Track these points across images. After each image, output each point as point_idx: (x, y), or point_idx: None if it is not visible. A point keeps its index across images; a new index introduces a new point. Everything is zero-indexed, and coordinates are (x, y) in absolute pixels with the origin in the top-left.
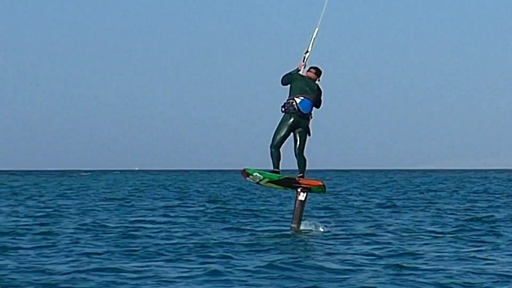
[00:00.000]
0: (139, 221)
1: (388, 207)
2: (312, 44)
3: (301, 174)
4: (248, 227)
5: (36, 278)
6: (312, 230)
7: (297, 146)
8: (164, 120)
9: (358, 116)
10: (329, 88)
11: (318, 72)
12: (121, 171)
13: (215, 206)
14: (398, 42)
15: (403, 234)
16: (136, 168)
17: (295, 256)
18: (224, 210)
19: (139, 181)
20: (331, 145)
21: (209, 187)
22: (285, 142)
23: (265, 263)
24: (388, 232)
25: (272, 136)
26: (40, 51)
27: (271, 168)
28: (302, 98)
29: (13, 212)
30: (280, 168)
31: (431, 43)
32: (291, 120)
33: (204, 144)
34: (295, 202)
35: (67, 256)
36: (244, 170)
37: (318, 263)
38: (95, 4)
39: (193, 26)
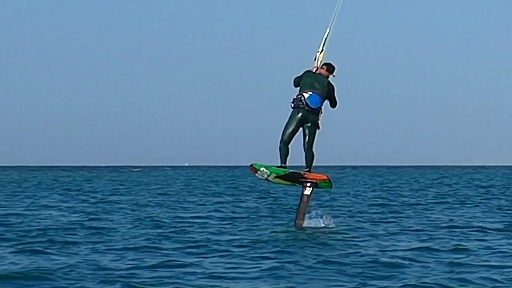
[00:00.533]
0: (192, 217)
1: (440, 203)
2: (324, 44)
3: (308, 169)
4: None
5: (91, 273)
6: (315, 226)
7: (306, 140)
8: (213, 117)
9: (409, 114)
10: (380, 87)
11: (329, 68)
12: (172, 167)
13: (267, 202)
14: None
15: (456, 230)
16: (186, 164)
17: (348, 251)
18: (276, 205)
19: (190, 177)
20: (383, 142)
21: (260, 182)
22: (295, 137)
23: (320, 259)
24: (441, 228)
25: (281, 132)
26: (95, 49)
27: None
28: (310, 93)
29: (67, 208)
30: (288, 163)
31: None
32: (300, 114)
33: (254, 140)
34: (301, 197)
35: (120, 252)
36: (251, 165)
37: (371, 258)
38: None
39: (221, 29)
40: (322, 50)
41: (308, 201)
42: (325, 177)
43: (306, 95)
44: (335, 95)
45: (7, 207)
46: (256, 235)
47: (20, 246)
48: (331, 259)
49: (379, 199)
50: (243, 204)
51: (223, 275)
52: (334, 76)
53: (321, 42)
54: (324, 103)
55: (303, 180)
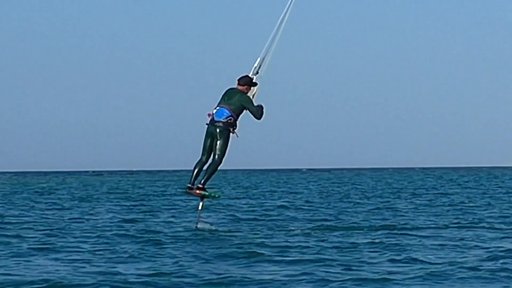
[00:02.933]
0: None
1: None
2: (256, 73)
3: (200, 185)
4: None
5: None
6: (207, 228)
7: (213, 154)
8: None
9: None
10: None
11: (240, 81)
12: (289, 170)
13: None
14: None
15: None
16: (304, 168)
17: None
18: None
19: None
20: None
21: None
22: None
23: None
24: None
25: None
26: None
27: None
28: (218, 108)
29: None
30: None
31: None
32: (208, 129)
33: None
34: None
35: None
36: None
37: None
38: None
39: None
40: (257, 73)
41: (200, 212)
42: (198, 193)
43: (214, 111)
44: (250, 105)
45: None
46: None
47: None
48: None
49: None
50: None
51: None
52: (256, 84)
53: (251, 70)
54: (243, 115)
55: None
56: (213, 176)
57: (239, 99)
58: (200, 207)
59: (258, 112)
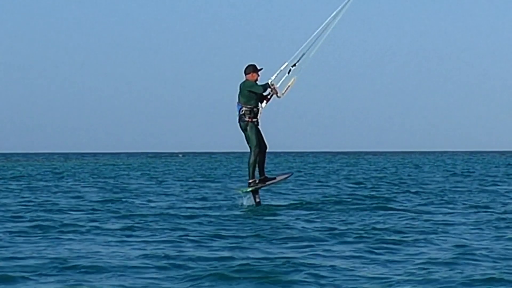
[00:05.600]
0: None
1: None
2: (293, 65)
3: (250, 181)
4: None
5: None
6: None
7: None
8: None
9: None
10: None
11: (245, 71)
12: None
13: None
14: None
15: None
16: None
17: None
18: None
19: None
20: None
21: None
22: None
23: None
24: None
25: None
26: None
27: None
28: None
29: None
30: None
31: None
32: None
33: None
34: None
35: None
36: None
37: None
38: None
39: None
40: (294, 66)
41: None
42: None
43: None
44: (254, 87)
45: None
46: None
47: None
48: None
49: None
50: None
51: None
52: (259, 75)
53: (276, 72)
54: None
55: None
56: (252, 168)
57: (243, 88)
58: (253, 197)
59: (259, 88)
